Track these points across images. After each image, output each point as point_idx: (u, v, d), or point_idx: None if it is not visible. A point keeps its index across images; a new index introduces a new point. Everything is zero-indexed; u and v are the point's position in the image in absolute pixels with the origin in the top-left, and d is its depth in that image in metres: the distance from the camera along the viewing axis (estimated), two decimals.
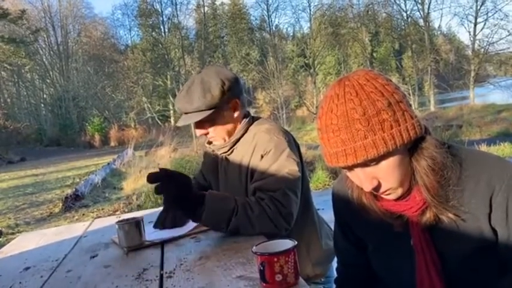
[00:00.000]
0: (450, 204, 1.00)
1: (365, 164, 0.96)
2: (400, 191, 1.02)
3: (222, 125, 1.67)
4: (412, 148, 0.98)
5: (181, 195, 1.38)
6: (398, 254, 1.12)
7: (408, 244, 1.08)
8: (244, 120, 1.71)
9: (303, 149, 10.33)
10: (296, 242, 1.02)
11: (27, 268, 1.42)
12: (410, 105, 0.98)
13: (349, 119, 0.93)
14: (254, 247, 1.03)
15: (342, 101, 0.95)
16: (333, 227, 1.39)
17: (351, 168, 0.99)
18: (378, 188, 0.99)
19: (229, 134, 1.70)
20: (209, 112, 1.60)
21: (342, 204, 1.23)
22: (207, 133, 1.70)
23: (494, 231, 1.01)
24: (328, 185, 8.41)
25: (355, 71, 1.00)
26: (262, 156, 1.58)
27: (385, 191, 1.01)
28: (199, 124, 1.66)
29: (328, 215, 2.04)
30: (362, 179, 0.99)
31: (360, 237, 1.25)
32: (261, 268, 0.99)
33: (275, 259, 0.98)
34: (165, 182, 1.36)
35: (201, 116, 1.60)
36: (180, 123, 1.65)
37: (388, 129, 0.92)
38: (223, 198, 1.48)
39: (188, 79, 1.70)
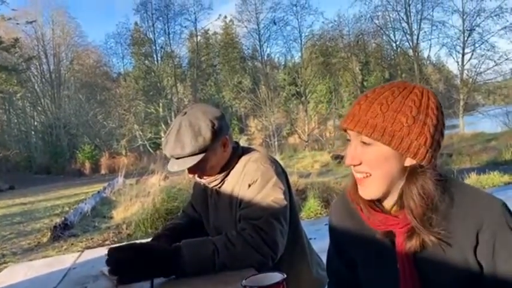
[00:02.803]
0: (434, 230, 1.01)
1: (360, 138, 1.03)
2: (374, 188, 1.06)
3: (215, 164, 1.65)
4: (409, 173, 1.03)
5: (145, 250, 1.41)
6: (385, 277, 1.13)
7: (395, 267, 1.09)
8: (234, 152, 1.71)
9: (294, 177, 10.31)
10: (285, 275, 1.02)
11: None
12: (438, 142, 1.03)
13: (379, 99, 1.02)
14: (243, 281, 1.03)
15: (390, 86, 1.05)
16: (323, 258, 1.39)
17: (347, 131, 1.07)
18: (356, 168, 1.06)
19: (222, 169, 1.68)
20: (202, 155, 1.56)
21: (338, 217, 1.26)
22: (201, 174, 1.68)
23: (479, 265, 1.02)
24: (320, 213, 8.34)
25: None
26: (249, 186, 1.58)
27: (361, 173, 1.06)
28: (193, 167, 1.59)
29: (319, 245, 2.04)
30: (350, 151, 1.06)
31: (351, 257, 1.25)
32: None
33: None
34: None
35: (195, 160, 1.56)
36: (173, 169, 1.59)
37: (396, 129, 0.99)
38: (200, 243, 1.46)
39: (175, 120, 1.64)
